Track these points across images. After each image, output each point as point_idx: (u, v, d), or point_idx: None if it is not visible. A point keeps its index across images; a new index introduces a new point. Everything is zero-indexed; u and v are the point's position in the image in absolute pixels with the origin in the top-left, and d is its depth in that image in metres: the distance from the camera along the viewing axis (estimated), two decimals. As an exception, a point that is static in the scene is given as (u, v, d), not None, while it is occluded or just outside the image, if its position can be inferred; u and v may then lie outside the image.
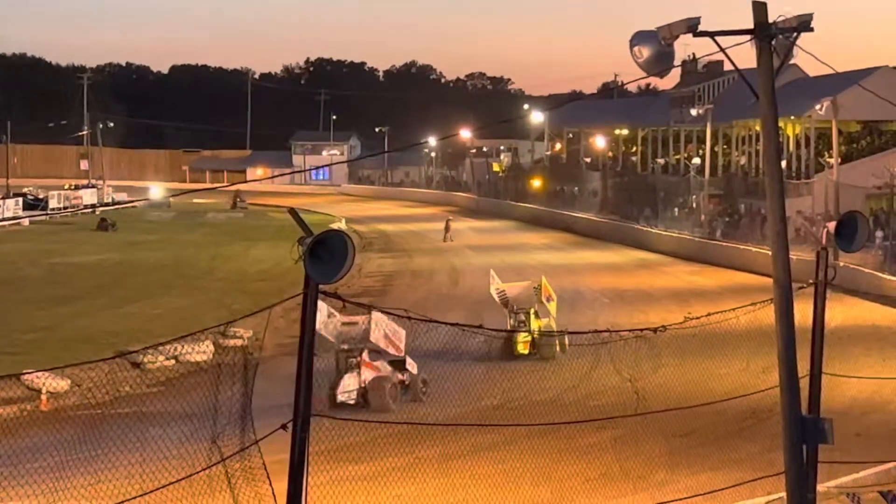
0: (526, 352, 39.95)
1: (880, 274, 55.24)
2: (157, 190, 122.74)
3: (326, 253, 10.92)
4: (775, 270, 13.65)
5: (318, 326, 39.95)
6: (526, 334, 40.04)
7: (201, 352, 37.16)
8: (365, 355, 34.37)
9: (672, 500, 20.71)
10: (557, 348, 39.76)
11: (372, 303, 44.78)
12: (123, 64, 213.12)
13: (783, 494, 14.02)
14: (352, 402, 33.69)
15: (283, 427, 11.41)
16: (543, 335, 39.55)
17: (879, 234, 59.22)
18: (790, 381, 13.67)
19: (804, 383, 14.29)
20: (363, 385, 34.12)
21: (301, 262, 10.89)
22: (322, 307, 43.91)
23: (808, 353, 15.02)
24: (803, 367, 14.34)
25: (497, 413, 31.73)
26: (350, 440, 27.94)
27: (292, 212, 12.07)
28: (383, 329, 35.05)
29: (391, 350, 35.01)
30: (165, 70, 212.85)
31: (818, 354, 15.23)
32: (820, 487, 16.04)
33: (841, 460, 19.34)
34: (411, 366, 35.29)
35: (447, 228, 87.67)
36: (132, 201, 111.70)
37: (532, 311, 41.81)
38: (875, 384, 33.42)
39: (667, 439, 26.66)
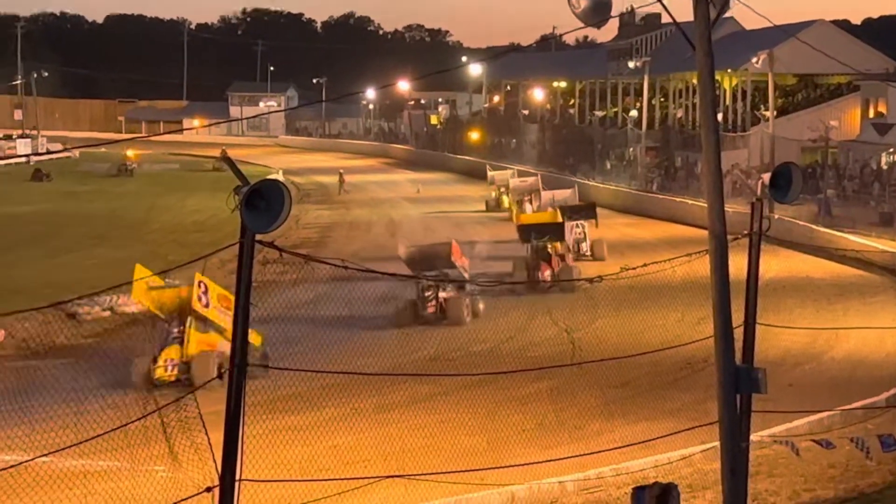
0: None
1: (814, 226, 55.69)
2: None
3: (263, 202, 10.80)
4: (710, 222, 13.69)
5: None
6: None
7: (137, 303, 36.87)
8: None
9: (607, 450, 20.86)
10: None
11: (310, 253, 44.63)
12: (58, 13, 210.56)
13: (717, 443, 14.12)
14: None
15: (219, 375, 11.27)
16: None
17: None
18: (725, 332, 13.74)
19: (739, 334, 14.37)
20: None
21: (237, 212, 10.77)
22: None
23: (742, 305, 15.12)
24: (738, 318, 14.43)
25: (433, 364, 31.75)
26: (287, 391, 27.93)
27: (226, 159, 11.93)
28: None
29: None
30: (101, 20, 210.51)
31: (752, 305, 15.30)
32: (753, 436, 16.16)
33: (774, 410, 19.53)
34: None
35: (341, 181, 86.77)
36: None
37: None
38: (808, 335, 33.78)
39: (602, 390, 26.78)
